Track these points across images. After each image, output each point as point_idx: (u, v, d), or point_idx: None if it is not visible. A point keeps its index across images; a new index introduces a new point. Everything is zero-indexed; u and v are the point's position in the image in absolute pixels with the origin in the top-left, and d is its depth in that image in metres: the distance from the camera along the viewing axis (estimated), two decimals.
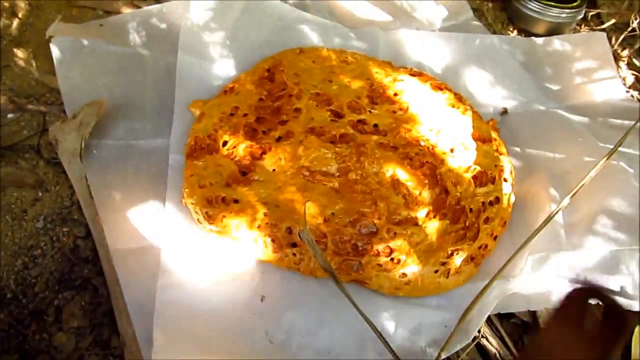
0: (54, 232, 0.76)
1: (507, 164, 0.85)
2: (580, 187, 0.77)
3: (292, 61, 0.91)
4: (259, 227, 0.72)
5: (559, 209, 0.76)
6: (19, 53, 0.91)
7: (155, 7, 0.96)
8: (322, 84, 0.87)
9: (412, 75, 0.93)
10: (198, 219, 0.74)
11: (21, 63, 0.91)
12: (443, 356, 0.69)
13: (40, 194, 0.79)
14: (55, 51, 0.84)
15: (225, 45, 0.92)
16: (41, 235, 0.76)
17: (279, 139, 0.80)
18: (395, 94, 0.89)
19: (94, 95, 0.84)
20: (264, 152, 0.79)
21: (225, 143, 0.80)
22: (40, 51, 0.93)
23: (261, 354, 0.66)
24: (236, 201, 0.74)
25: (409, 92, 0.89)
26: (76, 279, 0.73)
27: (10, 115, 0.86)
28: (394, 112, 0.87)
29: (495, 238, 0.79)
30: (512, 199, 0.83)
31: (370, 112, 0.85)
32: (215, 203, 0.74)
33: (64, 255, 0.74)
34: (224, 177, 0.76)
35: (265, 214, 0.72)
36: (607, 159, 0.78)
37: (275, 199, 0.74)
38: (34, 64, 0.91)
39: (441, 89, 0.92)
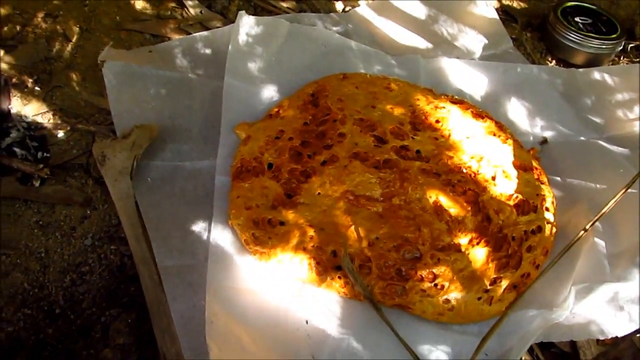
0: (102, 250, 0.78)
1: (549, 193, 0.85)
2: (600, 217, 0.78)
3: (336, 86, 0.92)
4: (304, 249, 0.73)
5: (576, 240, 0.77)
6: (70, 75, 0.94)
7: (201, 34, 0.99)
8: (365, 110, 0.88)
9: (454, 102, 0.94)
10: (245, 240, 0.75)
11: (71, 84, 0.94)
12: None
13: (88, 212, 0.81)
14: (107, 75, 0.87)
15: (270, 69, 0.94)
16: (89, 252, 0.77)
17: (323, 163, 0.82)
18: (437, 121, 0.90)
19: (143, 117, 0.86)
20: (309, 176, 0.80)
21: (270, 166, 0.81)
22: (89, 73, 0.95)
23: None
24: (282, 223, 0.75)
25: (451, 120, 0.90)
26: (122, 297, 0.74)
27: (60, 135, 0.88)
28: (436, 139, 0.87)
29: (537, 267, 0.78)
30: (554, 229, 0.82)
31: (412, 138, 0.86)
32: (262, 225, 0.75)
33: (111, 273, 0.76)
34: (269, 200, 0.78)
35: (311, 237, 0.73)
36: (627, 189, 0.78)
37: (321, 222, 0.75)
38: (84, 86, 0.94)
39: (482, 117, 0.93)
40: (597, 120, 1.04)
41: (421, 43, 1.12)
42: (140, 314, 0.72)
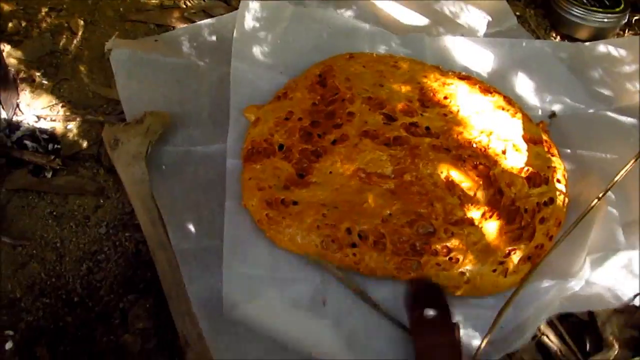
0: (117, 237, 0.78)
1: (559, 165, 0.85)
2: (612, 186, 0.77)
3: (343, 66, 0.92)
4: (318, 227, 0.73)
5: (589, 209, 0.76)
6: (77, 67, 0.95)
7: (206, 22, 0.99)
8: (373, 88, 0.88)
9: (461, 79, 0.94)
10: (259, 220, 0.75)
11: (79, 76, 0.94)
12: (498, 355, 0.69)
13: (101, 201, 0.81)
14: (114, 63, 0.87)
15: (276, 52, 0.94)
16: (104, 240, 0.78)
17: (334, 142, 0.82)
18: (446, 97, 0.90)
19: (152, 104, 0.86)
20: (320, 155, 0.81)
21: (281, 147, 0.81)
22: (95, 65, 0.96)
23: (328, 354, 0.67)
24: (295, 203, 0.75)
25: (459, 96, 0.90)
26: (139, 282, 0.75)
27: (70, 126, 0.88)
28: (445, 115, 0.87)
29: (550, 238, 0.78)
30: (566, 200, 0.82)
31: (422, 115, 0.86)
32: (275, 205, 0.75)
33: (127, 260, 0.76)
34: (282, 180, 0.78)
35: (324, 215, 0.73)
36: (638, 158, 0.78)
37: (334, 200, 0.75)
38: (91, 77, 0.94)
39: (490, 92, 0.93)
40: (605, 92, 1.04)
41: (425, 22, 1.11)
42: (157, 299, 0.72)
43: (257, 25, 0.94)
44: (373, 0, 1.12)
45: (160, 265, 0.72)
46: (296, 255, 0.74)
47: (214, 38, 0.97)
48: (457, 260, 0.72)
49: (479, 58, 1.04)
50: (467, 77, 0.96)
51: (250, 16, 0.93)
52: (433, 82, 0.92)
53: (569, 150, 0.91)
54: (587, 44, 1.09)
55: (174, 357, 0.69)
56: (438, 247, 0.72)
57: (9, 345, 0.69)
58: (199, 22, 0.99)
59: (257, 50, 0.93)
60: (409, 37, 1.05)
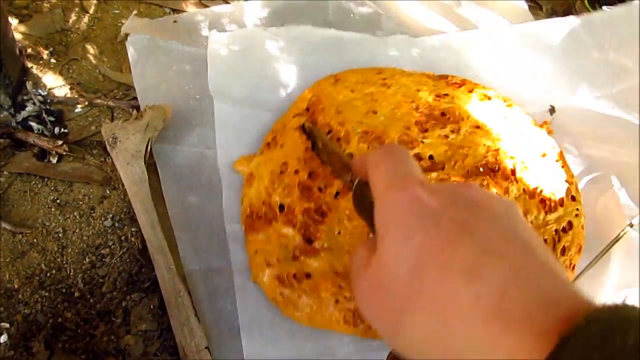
0: (122, 232, 0.75)
1: (571, 177, 0.80)
2: None
3: (330, 95, 0.82)
4: (337, 302, 0.68)
5: (618, 239, 0.74)
6: (87, 48, 0.91)
7: (225, 8, 0.94)
8: (367, 119, 0.78)
9: (456, 86, 0.86)
10: (273, 299, 0.70)
11: (89, 57, 0.90)
12: None
13: (108, 192, 0.78)
14: (131, 50, 0.82)
15: (257, 85, 0.85)
16: (109, 234, 0.75)
17: (337, 195, 0.72)
18: (443, 114, 0.80)
19: (169, 97, 0.82)
20: (324, 214, 0.72)
21: (282, 207, 0.73)
22: (107, 46, 0.92)
23: None
24: (308, 275, 0.69)
25: (456, 109, 0.81)
26: (144, 281, 0.72)
27: (78, 110, 0.85)
28: (447, 136, 0.78)
29: (573, 267, 0.74)
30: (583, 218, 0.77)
31: (422, 142, 0.76)
32: (288, 282, 0.69)
33: (133, 256, 0.74)
34: (290, 250, 0.71)
35: (341, 287, 0.68)
36: None
37: (347, 266, 0.69)
38: (101, 59, 0.91)
39: (488, 97, 0.85)
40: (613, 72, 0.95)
41: (448, 26, 1.04)
42: (162, 300, 0.70)
43: (231, 59, 0.85)
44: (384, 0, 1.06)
45: (160, 270, 0.69)
46: (317, 328, 0.70)
47: (234, 27, 0.92)
48: None
49: (476, 54, 0.96)
50: (461, 82, 0.88)
51: (221, 50, 0.85)
52: (427, 96, 0.82)
53: (575, 151, 0.86)
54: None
55: None
56: None
57: (3, 338, 0.67)
58: (218, 8, 0.94)
59: (236, 88, 0.84)
60: (392, 39, 0.95)
